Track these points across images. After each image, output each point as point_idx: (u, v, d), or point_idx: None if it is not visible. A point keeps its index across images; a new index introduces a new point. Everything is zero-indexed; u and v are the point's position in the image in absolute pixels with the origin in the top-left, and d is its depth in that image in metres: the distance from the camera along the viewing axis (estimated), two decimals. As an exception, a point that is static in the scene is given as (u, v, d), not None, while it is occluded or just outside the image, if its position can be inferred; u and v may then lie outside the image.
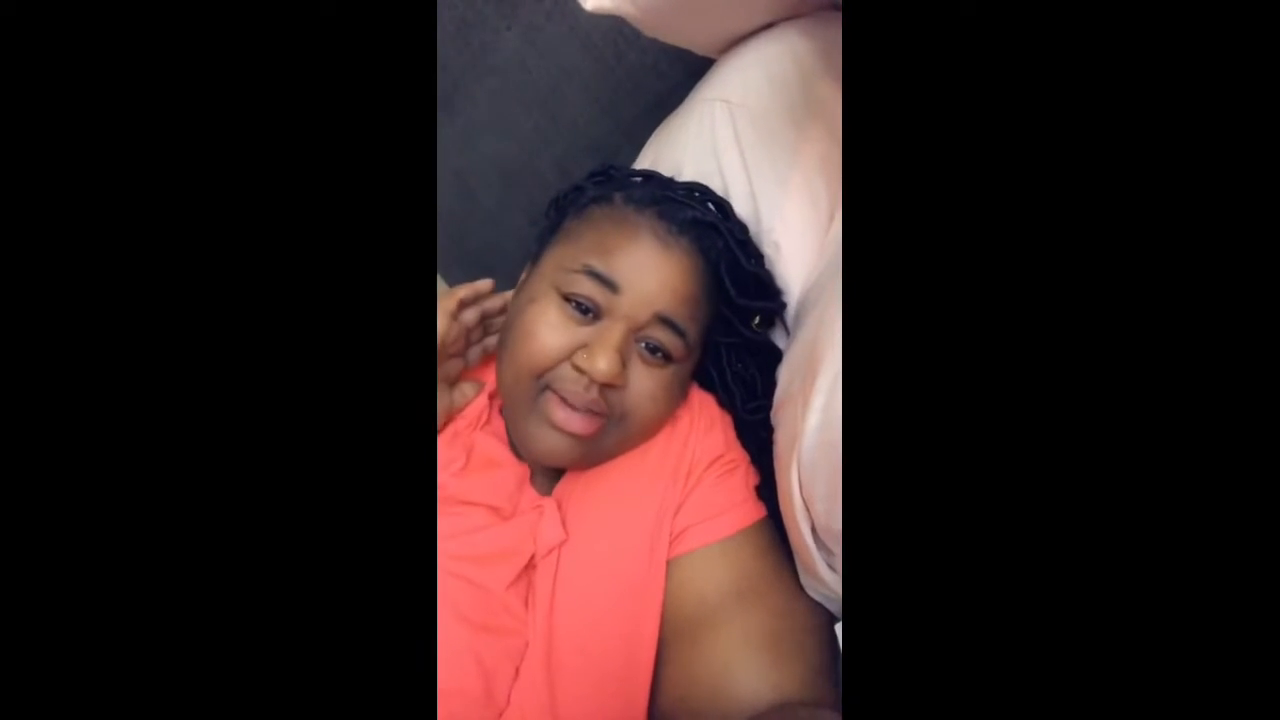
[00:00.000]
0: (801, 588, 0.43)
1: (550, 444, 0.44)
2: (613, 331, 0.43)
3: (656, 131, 0.64)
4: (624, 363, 0.43)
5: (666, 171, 0.56)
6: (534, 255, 0.52)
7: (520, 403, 0.45)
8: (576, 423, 0.43)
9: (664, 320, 0.44)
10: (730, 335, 0.50)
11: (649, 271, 0.44)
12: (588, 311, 0.44)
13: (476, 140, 0.84)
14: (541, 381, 0.44)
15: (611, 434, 0.45)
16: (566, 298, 0.45)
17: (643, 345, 0.45)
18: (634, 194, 0.49)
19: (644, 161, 0.61)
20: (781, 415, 0.42)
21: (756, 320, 0.50)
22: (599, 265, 0.44)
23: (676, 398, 0.47)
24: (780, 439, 0.42)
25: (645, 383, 0.45)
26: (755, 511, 0.46)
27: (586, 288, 0.44)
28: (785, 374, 0.44)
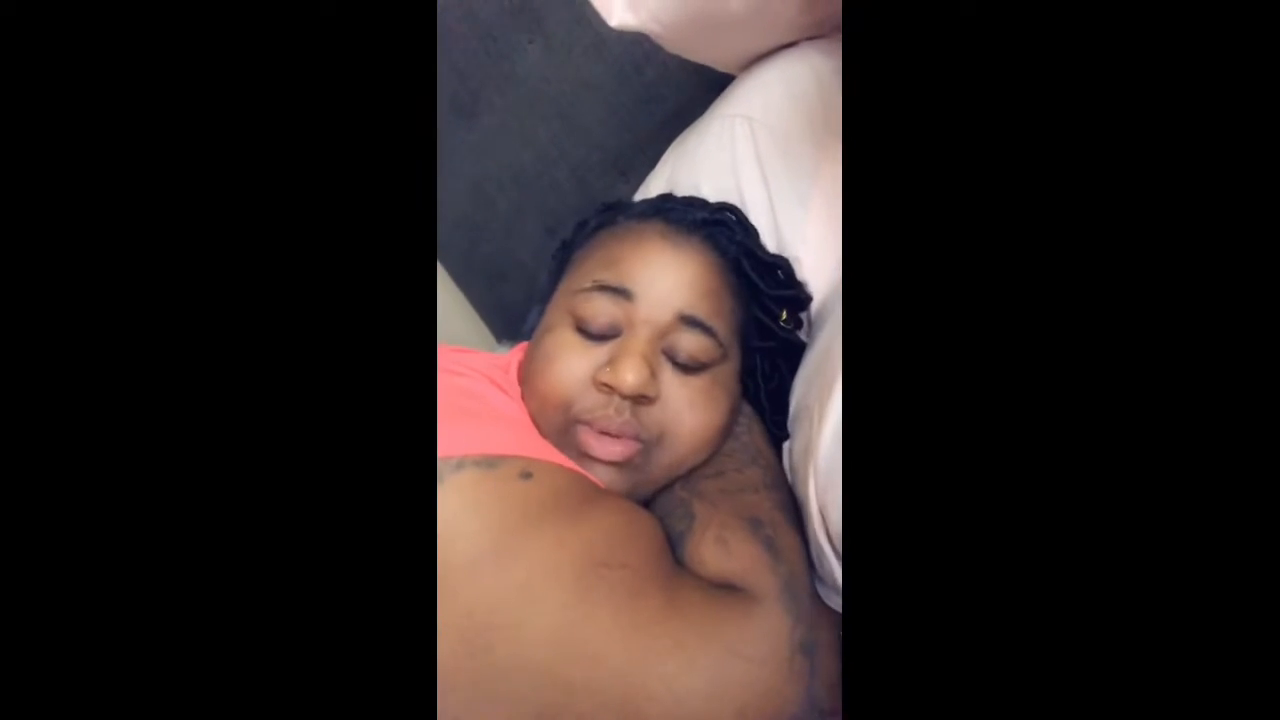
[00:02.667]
0: None
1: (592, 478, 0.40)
2: (634, 339, 0.40)
3: (673, 145, 0.64)
4: (653, 372, 0.40)
5: (684, 186, 0.56)
6: (542, 297, 0.50)
7: (553, 440, 0.41)
8: (610, 448, 0.40)
9: (688, 320, 0.41)
10: (763, 338, 0.47)
11: (661, 269, 0.42)
12: (605, 334, 0.41)
13: (495, 148, 0.85)
14: (570, 415, 0.40)
15: (655, 456, 0.41)
16: (581, 325, 0.42)
17: (671, 355, 0.41)
18: (636, 210, 0.48)
19: (661, 174, 0.61)
20: (797, 425, 0.43)
21: (784, 315, 0.48)
22: (608, 277, 0.42)
23: (722, 402, 0.43)
24: (795, 448, 0.42)
25: (681, 392, 0.41)
26: None
27: (599, 304, 0.41)
28: (800, 384, 0.45)
